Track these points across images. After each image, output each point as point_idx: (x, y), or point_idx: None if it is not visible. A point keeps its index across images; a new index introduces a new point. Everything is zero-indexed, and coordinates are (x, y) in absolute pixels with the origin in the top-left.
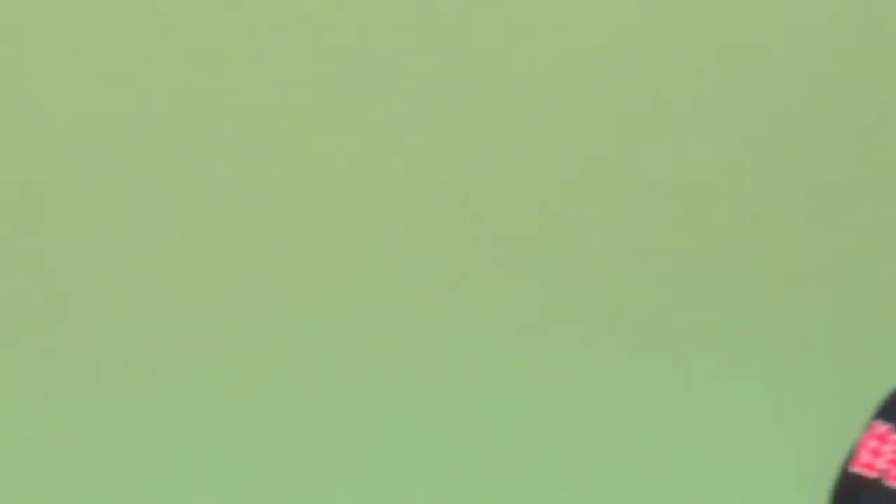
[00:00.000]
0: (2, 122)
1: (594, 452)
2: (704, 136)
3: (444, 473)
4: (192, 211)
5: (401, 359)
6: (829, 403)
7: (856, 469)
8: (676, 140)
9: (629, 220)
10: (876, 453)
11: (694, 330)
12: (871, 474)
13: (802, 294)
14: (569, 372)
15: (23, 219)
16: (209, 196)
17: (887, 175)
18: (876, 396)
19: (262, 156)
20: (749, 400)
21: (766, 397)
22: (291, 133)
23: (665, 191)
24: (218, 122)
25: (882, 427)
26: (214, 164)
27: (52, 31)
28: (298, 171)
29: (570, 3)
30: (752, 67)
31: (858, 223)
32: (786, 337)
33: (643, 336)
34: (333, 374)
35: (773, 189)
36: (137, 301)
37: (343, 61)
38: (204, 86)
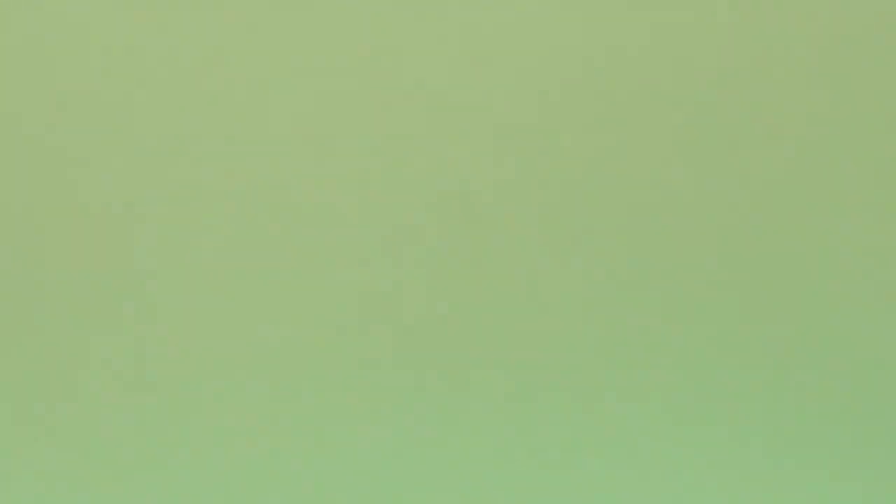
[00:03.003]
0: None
1: (595, 454)
2: (702, 141)
3: (451, 472)
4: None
5: (396, 358)
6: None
7: None
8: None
9: (628, 219)
10: None
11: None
12: None
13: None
14: (564, 369)
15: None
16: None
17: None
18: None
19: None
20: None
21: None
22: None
23: (665, 192)
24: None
25: None
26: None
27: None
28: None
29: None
30: (748, 69)
31: (854, 220)
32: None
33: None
34: (340, 374)
35: (772, 191)
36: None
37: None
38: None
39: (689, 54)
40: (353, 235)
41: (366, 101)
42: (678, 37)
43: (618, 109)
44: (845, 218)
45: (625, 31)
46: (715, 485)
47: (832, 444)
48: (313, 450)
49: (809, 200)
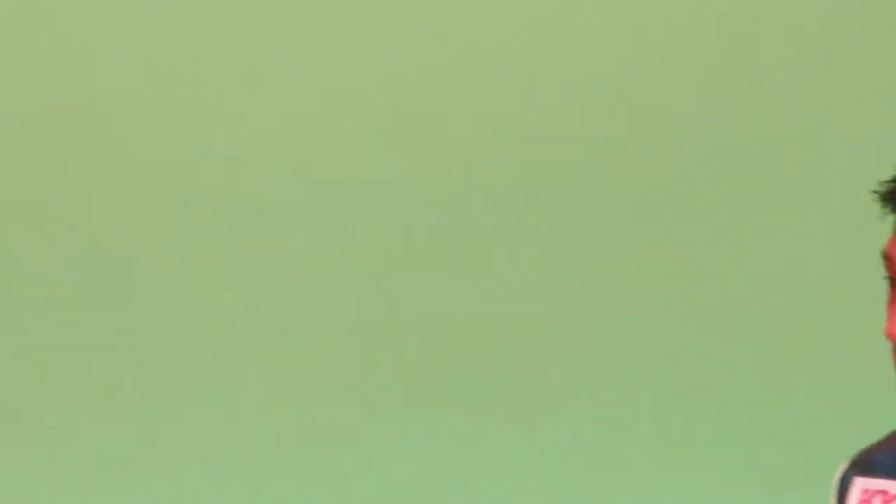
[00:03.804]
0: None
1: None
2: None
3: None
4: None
5: (395, 360)
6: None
7: None
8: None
9: (628, 220)
10: None
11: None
12: None
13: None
14: (565, 370)
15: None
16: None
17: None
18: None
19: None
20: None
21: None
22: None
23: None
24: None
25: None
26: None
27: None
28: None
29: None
30: (748, 70)
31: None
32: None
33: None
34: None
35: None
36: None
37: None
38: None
39: (691, 56)
40: (353, 237)
41: (364, 101)
42: (680, 38)
43: (619, 111)
44: (845, 219)
45: (627, 33)
46: (714, 484)
47: (831, 444)
48: (312, 451)
49: (809, 202)
